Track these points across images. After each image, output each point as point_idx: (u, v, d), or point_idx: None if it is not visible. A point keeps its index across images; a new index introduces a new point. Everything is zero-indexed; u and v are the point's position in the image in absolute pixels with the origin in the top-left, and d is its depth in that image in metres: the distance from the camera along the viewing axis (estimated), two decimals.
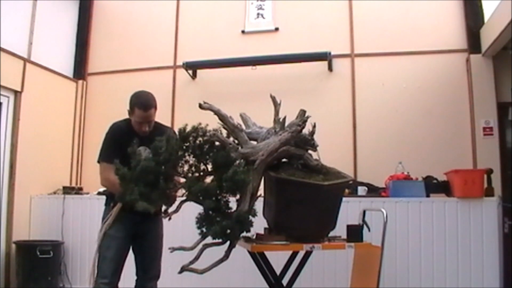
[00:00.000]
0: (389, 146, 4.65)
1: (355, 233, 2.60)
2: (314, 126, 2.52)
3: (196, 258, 2.12)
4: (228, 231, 2.08)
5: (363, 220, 3.24)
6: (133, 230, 2.76)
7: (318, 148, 2.55)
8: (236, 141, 2.37)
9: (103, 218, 2.81)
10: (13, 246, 4.50)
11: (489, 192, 3.91)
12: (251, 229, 2.22)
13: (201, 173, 2.23)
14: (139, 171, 2.11)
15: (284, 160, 2.49)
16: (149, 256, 2.83)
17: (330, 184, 2.36)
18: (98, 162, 2.79)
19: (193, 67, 5.25)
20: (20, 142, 4.64)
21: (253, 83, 5.09)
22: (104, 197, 2.96)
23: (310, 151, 2.54)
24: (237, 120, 2.48)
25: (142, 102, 2.72)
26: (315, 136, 2.54)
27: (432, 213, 3.89)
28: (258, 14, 5.29)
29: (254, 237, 2.50)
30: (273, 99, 2.62)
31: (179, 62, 5.26)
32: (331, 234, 2.56)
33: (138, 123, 2.73)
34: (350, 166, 4.67)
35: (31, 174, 4.79)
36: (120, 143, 2.57)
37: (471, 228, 3.80)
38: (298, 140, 2.48)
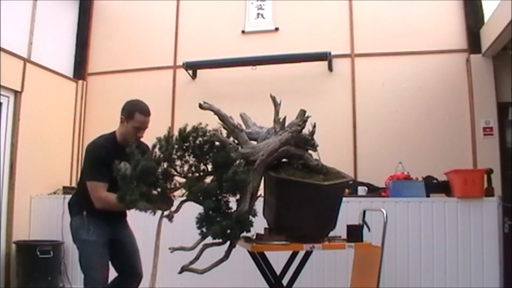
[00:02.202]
0: (389, 146, 4.65)
1: (355, 233, 2.60)
2: (314, 126, 2.52)
3: (196, 258, 2.13)
4: (228, 231, 2.08)
5: (363, 220, 3.24)
6: (111, 234, 2.77)
7: (318, 148, 2.55)
8: (236, 141, 2.37)
9: (76, 228, 2.76)
10: (13, 246, 4.50)
11: (489, 192, 3.91)
12: (251, 229, 2.23)
13: (201, 173, 2.23)
14: (139, 172, 2.11)
15: (284, 160, 2.49)
16: (133, 257, 2.86)
17: (330, 184, 2.36)
18: (86, 180, 2.72)
19: (193, 67, 5.25)
20: (20, 142, 4.63)
21: (253, 83, 5.09)
22: None
23: (310, 151, 2.54)
24: (237, 120, 2.48)
25: (144, 108, 2.78)
26: (315, 136, 2.54)
27: (432, 213, 3.89)
28: (258, 14, 5.28)
29: (254, 237, 2.50)
30: (273, 99, 2.62)
31: (179, 62, 5.26)
32: (331, 234, 2.56)
33: (135, 129, 2.74)
34: (350, 166, 4.67)
35: (31, 174, 4.79)
36: (106, 161, 2.54)
37: (471, 228, 3.80)
38: (298, 140, 2.48)
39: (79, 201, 2.83)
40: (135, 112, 2.73)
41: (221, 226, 2.06)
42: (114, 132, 2.84)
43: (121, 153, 2.43)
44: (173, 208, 2.25)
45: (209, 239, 2.14)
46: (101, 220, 2.71)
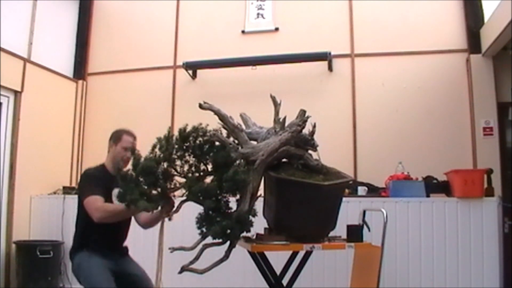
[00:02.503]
0: (389, 146, 4.65)
1: (355, 233, 2.60)
2: (314, 126, 2.52)
3: (196, 258, 2.13)
4: (228, 231, 2.08)
5: (363, 220, 3.24)
6: (115, 266, 2.73)
7: (318, 148, 2.55)
8: (236, 141, 2.37)
9: (78, 263, 2.70)
10: (13, 246, 4.50)
11: (489, 192, 3.91)
12: (251, 229, 2.22)
13: (201, 173, 2.23)
14: (139, 171, 2.11)
15: (284, 160, 2.49)
16: (144, 278, 2.81)
17: (330, 184, 2.36)
18: (83, 199, 2.68)
19: (193, 67, 5.25)
20: (20, 142, 4.64)
21: (253, 83, 5.09)
22: None
23: (310, 151, 2.54)
24: (237, 120, 2.48)
25: (130, 131, 2.90)
26: (315, 136, 2.54)
27: (432, 213, 3.89)
28: (258, 14, 5.29)
29: (254, 237, 2.50)
30: (273, 99, 2.62)
31: (179, 62, 5.26)
32: (331, 234, 2.56)
33: (124, 151, 2.79)
34: (350, 166, 4.67)
35: (31, 174, 4.79)
36: (100, 182, 2.68)
37: (471, 228, 3.80)
38: (298, 140, 2.47)
39: (79, 239, 2.79)
40: (122, 134, 2.85)
41: (221, 226, 2.06)
42: (103, 164, 2.89)
43: (112, 181, 2.65)
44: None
45: (209, 239, 2.13)
46: (104, 253, 2.69)
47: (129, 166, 2.27)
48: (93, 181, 2.70)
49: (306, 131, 2.51)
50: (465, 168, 4.20)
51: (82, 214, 2.70)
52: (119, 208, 2.44)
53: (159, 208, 2.25)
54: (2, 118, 4.52)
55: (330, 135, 4.43)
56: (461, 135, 4.53)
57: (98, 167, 2.87)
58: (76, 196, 4.53)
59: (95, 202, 2.59)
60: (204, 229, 2.11)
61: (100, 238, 2.68)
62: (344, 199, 2.61)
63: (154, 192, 2.20)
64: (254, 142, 2.44)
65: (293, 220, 2.38)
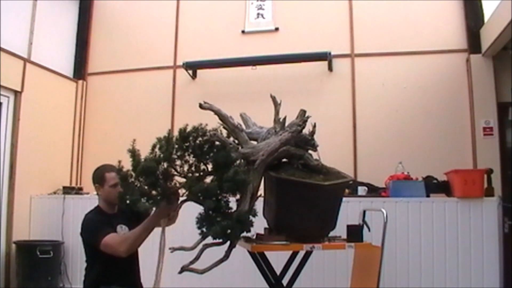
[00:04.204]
0: (389, 146, 4.65)
1: (355, 233, 2.60)
2: (314, 126, 2.52)
3: (196, 258, 2.13)
4: (229, 231, 2.08)
5: (363, 220, 3.24)
6: None
7: (318, 148, 2.55)
8: (236, 141, 2.37)
9: None
10: (13, 246, 4.50)
11: (489, 192, 3.91)
12: (251, 229, 2.23)
13: (201, 173, 2.23)
14: (139, 171, 2.11)
15: (284, 160, 2.49)
16: None
17: (331, 184, 2.36)
18: (98, 244, 2.55)
19: (193, 67, 5.25)
20: (20, 142, 4.64)
21: (253, 83, 5.09)
22: None
23: (310, 151, 2.54)
24: (237, 120, 2.48)
25: (109, 166, 2.77)
26: (315, 136, 2.54)
27: (432, 213, 3.89)
28: (258, 14, 5.29)
29: (254, 237, 2.50)
30: (273, 99, 2.62)
31: (179, 62, 5.26)
32: (331, 234, 2.56)
33: (113, 187, 2.71)
34: (350, 166, 4.67)
35: (31, 174, 4.80)
36: (104, 223, 2.64)
37: (471, 228, 3.81)
38: (298, 140, 2.47)
39: (91, 283, 2.75)
40: (104, 173, 2.76)
41: (221, 226, 2.06)
42: (97, 206, 2.84)
43: (112, 220, 2.68)
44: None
45: (209, 239, 2.13)
46: None
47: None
48: (98, 224, 2.64)
49: (306, 131, 2.51)
50: (465, 168, 4.20)
51: (97, 258, 2.63)
52: (136, 231, 2.44)
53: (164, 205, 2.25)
54: (2, 118, 4.52)
55: (330, 135, 4.44)
56: (461, 135, 4.53)
57: (95, 210, 2.82)
58: (76, 195, 4.48)
59: (114, 239, 2.52)
60: (204, 229, 2.11)
61: (120, 277, 2.64)
62: (344, 199, 2.62)
63: (154, 192, 2.20)
64: (254, 142, 2.45)
65: (293, 220, 2.38)
